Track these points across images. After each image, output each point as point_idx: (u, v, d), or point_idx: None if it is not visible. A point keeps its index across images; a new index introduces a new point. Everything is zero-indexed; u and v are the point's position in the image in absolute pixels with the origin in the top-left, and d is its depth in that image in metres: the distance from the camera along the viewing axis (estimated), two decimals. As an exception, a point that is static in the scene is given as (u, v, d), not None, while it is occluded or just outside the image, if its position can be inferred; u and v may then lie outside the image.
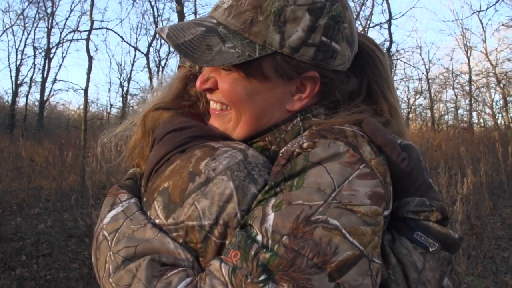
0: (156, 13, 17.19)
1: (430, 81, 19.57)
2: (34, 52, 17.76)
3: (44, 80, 17.22)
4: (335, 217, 0.59)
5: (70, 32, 17.21)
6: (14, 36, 21.10)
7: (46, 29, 17.03)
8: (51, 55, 17.53)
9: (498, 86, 16.81)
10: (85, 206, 5.06)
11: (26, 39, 17.79)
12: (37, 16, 17.27)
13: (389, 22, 11.63)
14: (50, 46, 17.26)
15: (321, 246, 0.57)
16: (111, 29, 16.07)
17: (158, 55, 18.93)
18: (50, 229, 4.33)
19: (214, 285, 0.59)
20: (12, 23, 17.69)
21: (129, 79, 19.09)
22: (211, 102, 0.79)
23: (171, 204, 0.68)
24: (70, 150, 7.37)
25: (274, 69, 0.71)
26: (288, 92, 0.74)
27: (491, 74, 17.15)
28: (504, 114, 16.59)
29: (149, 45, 17.49)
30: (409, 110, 18.75)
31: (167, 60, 18.66)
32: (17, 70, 17.71)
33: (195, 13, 15.82)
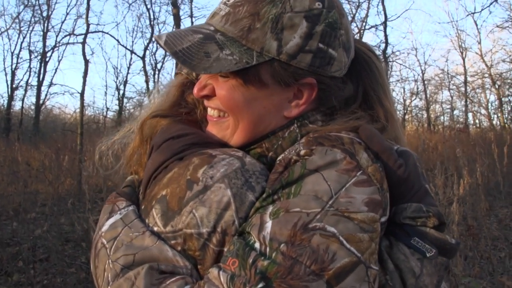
0: (152, 16, 17.22)
1: (425, 82, 19.67)
2: (30, 56, 17.73)
3: (40, 84, 17.17)
4: (332, 224, 0.59)
5: (66, 36, 17.19)
6: (9, 39, 20.91)
7: (41, 33, 17.01)
8: (47, 59, 17.48)
9: (493, 87, 16.90)
10: (81, 211, 5.04)
11: (22, 42, 17.76)
12: (32, 19, 17.25)
13: (384, 24, 11.69)
14: (46, 49, 17.23)
15: (319, 253, 0.58)
16: (107, 33, 16.00)
17: (154, 58, 18.96)
18: (47, 234, 4.32)
19: None
20: (8, 27, 17.65)
21: (125, 82, 19.08)
22: (209, 109, 0.79)
23: (169, 211, 0.68)
24: (66, 154, 7.35)
25: (271, 76, 0.71)
26: (286, 99, 0.74)
27: (486, 75, 17.25)
28: (499, 114, 16.68)
29: (145, 48, 17.52)
30: (405, 111, 18.81)
31: (163, 63, 18.69)
32: (13, 74, 17.66)
33: (191, 16, 15.84)
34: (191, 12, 15.91)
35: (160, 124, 0.85)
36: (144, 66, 17.45)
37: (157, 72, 18.61)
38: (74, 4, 19.26)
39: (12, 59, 17.84)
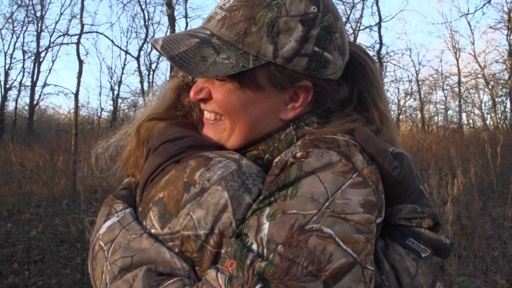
0: (146, 17, 17.18)
1: (420, 82, 19.76)
2: (24, 56, 17.63)
3: (33, 84, 17.08)
4: (328, 225, 0.60)
5: (60, 36, 17.12)
6: (2, 39, 20.84)
7: (35, 33, 16.92)
8: (41, 59, 17.39)
9: (487, 87, 17.01)
10: (76, 211, 5.03)
11: (15, 42, 17.66)
12: (26, 19, 17.16)
13: (379, 24, 11.73)
14: (40, 50, 17.13)
15: (316, 254, 0.58)
16: (101, 33, 15.94)
17: (149, 59, 18.92)
18: (41, 235, 4.30)
19: None
20: (1, 27, 17.52)
21: (120, 83, 19.00)
22: (205, 112, 0.80)
23: (166, 214, 0.68)
24: (61, 155, 7.32)
25: (268, 79, 0.72)
26: (282, 102, 0.75)
27: (480, 75, 17.37)
28: (492, 115, 16.79)
29: (140, 49, 17.47)
30: (399, 111, 18.89)
31: (157, 63, 18.64)
32: (6, 74, 17.55)
33: (186, 16, 15.82)
34: (186, 12, 15.91)
35: (156, 127, 0.85)
36: (138, 67, 17.41)
37: (151, 73, 18.60)
38: (68, 4, 19.20)
39: (5, 59, 17.78)
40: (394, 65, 18.32)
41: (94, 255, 0.73)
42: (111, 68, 22.93)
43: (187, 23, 16.20)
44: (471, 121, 18.50)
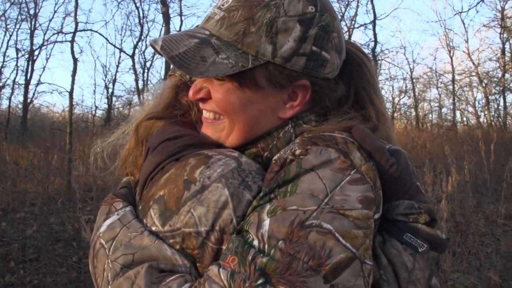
0: (141, 15, 17.10)
1: (414, 80, 19.82)
2: (17, 54, 17.45)
3: (27, 83, 16.94)
4: (328, 221, 0.61)
5: (54, 34, 16.99)
6: (-5, 37, 20.68)
7: (29, 31, 16.78)
8: (35, 57, 17.26)
9: (480, 85, 17.10)
10: (71, 210, 5.01)
11: (8, 40, 17.45)
12: (19, 17, 16.96)
13: (373, 22, 11.76)
14: (34, 48, 17.00)
15: (316, 249, 0.60)
16: (96, 31, 15.93)
17: (143, 57, 18.85)
18: (37, 234, 4.29)
19: None
20: (-7, 24, 17.36)
21: (114, 81, 18.89)
22: (204, 111, 0.81)
23: (167, 211, 0.69)
24: (55, 153, 7.29)
25: (267, 79, 0.72)
26: (280, 101, 0.76)
27: (474, 73, 17.46)
28: (486, 112, 16.89)
29: (135, 47, 17.38)
30: (393, 109, 18.94)
31: (152, 61, 18.57)
32: (-1, 73, 17.41)
33: (181, 14, 15.77)
34: (181, 10, 15.85)
35: (155, 126, 0.86)
36: (133, 65, 17.31)
37: (146, 71, 18.52)
38: (62, 2, 19.02)
39: (-2, 57, 17.58)
40: (389, 63, 18.35)
41: (95, 253, 0.73)
42: (106, 66, 22.87)
43: (181, 21, 16.17)
44: (465, 119, 18.63)
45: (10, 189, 5.68)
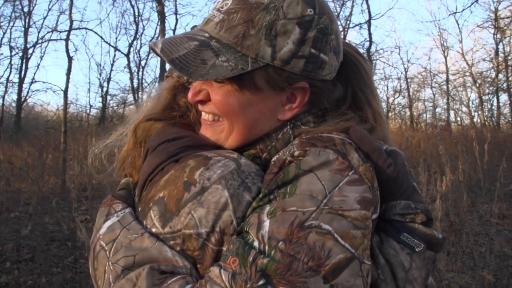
0: (136, 13, 17.03)
1: (408, 80, 19.92)
2: (11, 52, 17.32)
3: (21, 81, 16.82)
4: (327, 222, 0.62)
5: (48, 32, 16.85)
6: (-12, 35, 20.44)
7: (23, 28, 16.66)
8: (29, 55, 17.15)
9: (474, 85, 17.22)
10: (66, 209, 5.00)
11: (2, 38, 17.29)
12: (13, 15, 16.84)
13: (368, 22, 11.78)
14: (28, 46, 16.89)
15: (315, 250, 0.60)
16: (91, 30, 15.86)
17: (138, 55, 18.77)
18: (31, 233, 4.27)
19: None
20: (-13, 22, 17.20)
21: (109, 80, 18.82)
22: (203, 113, 0.81)
23: (167, 213, 0.69)
24: (50, 152, 7.26)
25: (266, 81, 0.73)
26: (279, 102, 0.76)
27: (468, 73, 17.57)
28: (479, 112, 17.01)
29: (130, 45, 17.33)
30: (388, 109, 19.00)
31: (147, 60, 18.51)
32: (-7, 71, 17.28)
33: (176, 13, 15.74)
34: (176, 9, 15.80)
35: (153, 127, 0.86)
36: (128, 64, 17.27)
37: (141, 69, 18.46)
38: (56, 0, 18.88)
39: (-9, 55, 17.41)
40: (383, 62, 18.41)
41: (95, 255, 0.73)
42: (100, 65, 22.69)
43: (177, 19, 16.13)
44: (458, 118, 18.75)
45: (4, 189, 5.65)
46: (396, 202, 0.72)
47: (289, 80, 0.73)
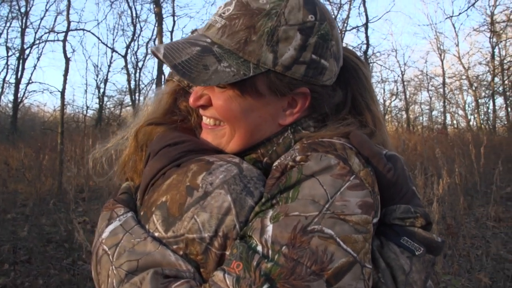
0: (134, 14, 17.02)
1: (405, 83, 19.99)
2: (7, 53, 17.26)
3: (18, 82, 16.76)
4: (329, 226, 0.63)
5: (46, 33, 16.81)
6: (-15, 36, 20.33)
7: (19, 29, 16.60)
8: (25, 56, 17.09)
9: (470, 88, 17.29)
10: (63, 210, 4.98)
11: (-1, 38, 17.27)
12: (10, 15, 16.79)
13: (366, 25, 11.82)
14: (24, 46, 16.83)
15: (318, 254, 0.61)
16: (88, 31, 15.84)
17: (135, 57, 18.75)
18: (28, 235, 4.25)
19: None
20: (-17, 23, 17.13)
21: (106, 81, 18.79)
22: (204, 118, 0.81)
23: (170, 217, 0.69)
24: (46, 154, 7.23)
25: (267, 87, 0.74)
26: (281, 108, 0.77)
27: (464, 77, 17.65)
28: (476, 116, 17.09)
29: (127, 47, 17.30)
30: (385, 112, 19.06)
31: (144, 61, 18.50)
32: (-11, 71, 17.19)
33: (173, 14, 15.74)
34: (173, 10, 15.82)
35: (155, 131, 0.86)
36: (126, 65, 17.24)
37: (138, 71, 18.44)
38: (54, 0, 18.84)
39: (-12, 55, 17.33)
40: (380, 65, 18.48)
41: (98, 259, 0.73)
42: (97, 66, 22.71)
43: (174, 21, 16.20)
44: (455, 121, 18.82)
45: (1, 190, 5.62)
46: (396, 206, 0.73)
47: (290, 86, 0.74)
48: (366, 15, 11.69)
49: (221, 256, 0.67)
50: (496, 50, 16.18)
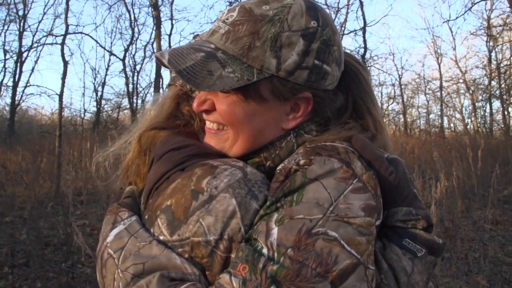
0: (132, 18, 17.04)
1: (402, 86, 20.07)
2: (5, 56, 17.22)
3: (15, 84, 16.72)
4: (333, 229, 0.64)
5: (44, 36, 16.77)
6: (-18, 38, 20.25)
7: (17, 32, 16.57)
8: (23, 59, 17.06)
9: (467, 92, 17.37)
10: (61, 214, 4.97)
11: (-4, 41, 17.24)
12: (7, 18, 16.76)
13: (363, 29, 11.85)
14: (22, 49, 16.80)
15: (323, 256, 0.62)
16: (87, 34, 15.78)
17: (133, 60, 18.78)
18: (26, 238, 4.24)
19: None
20: (-19, 26, 17.09)
21: (104, 84, 18.78)
22: (207, 122, 0.82)
23: (175, 221, 0.70)
24: (44, 157, 7.21)
25: (271, 91, 0.75)
26: (284, 112, 0.78)
27: (461, 80, 17.72)
28: (473, 119, 17.16)
29: (125, 50, 17.31)
30: (382, 115, 19.09)
31: (142, 65, 18.52)
32: (-14, 74, 17.16)
33: (172, 18, 15.75)
34: (172, 14, 15.82)
35: (158, 136, 0.87)
36: (124, 68, 17.25)
37: (136, 74, 18.44)
38: (52, 3, 18.82)
39: (-15, 59, 17.29)
40: (378, 69, 18.53)
41: (103, 263, 0.74)
42: (95, 69, 22.63)
43: (172, 24, 16.21)
44: (452, 125, 18.89)
45: (-2, 193, 5.60)
46: (398, 208, 0.74)
47: (293, 91, 0.75)
48: (364, 19, 11.70)
49: (226, 259, 0.68)
50: (493, 54, 16.30)
